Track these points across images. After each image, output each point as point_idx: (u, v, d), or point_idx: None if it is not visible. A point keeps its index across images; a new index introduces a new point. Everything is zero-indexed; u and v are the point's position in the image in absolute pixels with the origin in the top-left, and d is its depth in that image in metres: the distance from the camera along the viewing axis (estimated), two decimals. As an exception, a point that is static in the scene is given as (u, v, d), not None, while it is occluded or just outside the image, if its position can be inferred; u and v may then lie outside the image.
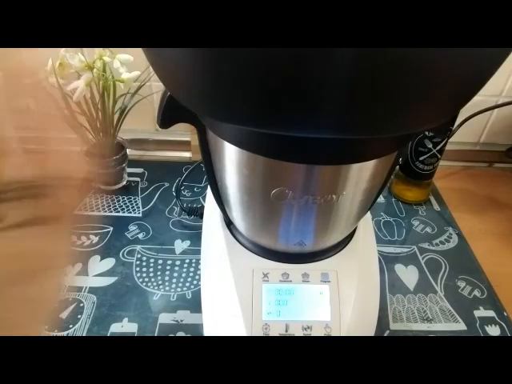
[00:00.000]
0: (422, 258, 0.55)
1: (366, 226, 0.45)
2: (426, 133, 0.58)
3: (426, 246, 0.57)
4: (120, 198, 0.63)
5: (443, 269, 0.53)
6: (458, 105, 0.27)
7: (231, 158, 0.33)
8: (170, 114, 0.32)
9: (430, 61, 0.20)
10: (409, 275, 0.52)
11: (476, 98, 0.70)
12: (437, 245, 0.57)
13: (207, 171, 0.38)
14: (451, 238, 0.58)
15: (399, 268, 0.53)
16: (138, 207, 0.61)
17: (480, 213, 0.64)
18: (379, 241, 0.57)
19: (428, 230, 0.60)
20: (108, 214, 0.60)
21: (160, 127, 0.34)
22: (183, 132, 0.69)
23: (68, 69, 0.53)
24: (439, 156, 0.60)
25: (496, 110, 0.69)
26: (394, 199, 0.65)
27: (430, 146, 0.58)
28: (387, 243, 0.57)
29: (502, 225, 0.61)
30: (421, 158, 0.60)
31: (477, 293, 0.50)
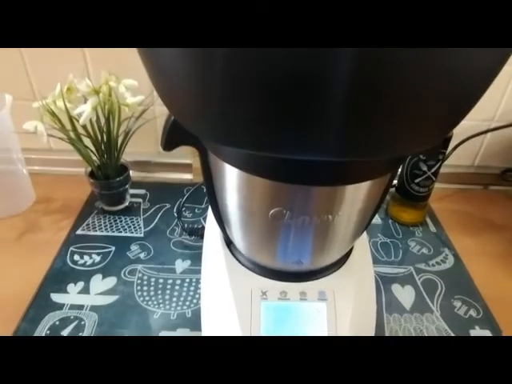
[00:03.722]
0: (419, 279, 0.56)
1: (363, 246, 0.46)
2: (421, 156, 0.59)
3: (422, 266, 0.58)
4: (122, 218, 0.64)
5: (439, 289, 0.54)
6: (445, 130, 0.29)
7: (231, 179, 0.34)
8: (173, 138, 0.34)
9: (419, 92, 0.22)
10: (405, 295, 0.53)
11: (469, 123, 0.72)
12: (433, 265, 0.58)
13: (208, 192, 0.39)
14: (447, 258, 0.59)
15: (396, 288, 0.54)
16: (140, 227, 0.62)
17: (475, 234, 0.65)
18: (376, 261, 0.58)
19: (424, 250, 0.61)
20: (110, 233, 0.61)
21: (163, 150, 0.36)
22: (185, 155, 0.71)
23: (75, 93, 0.55)
24: (434, 178, 0.61)
25: (489, 133, 0.71)
26: (390, 221, 0.66)
27: (425, 168, 0.60)
28: (384, 264, 0.58)
29: (497, 246, 0.62)
30: (416, 181, 0.61)
31: (473, 312, 0.51)
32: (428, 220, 0.67)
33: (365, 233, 0.47)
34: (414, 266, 0.58)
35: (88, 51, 0.63)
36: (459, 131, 0.68)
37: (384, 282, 0.55)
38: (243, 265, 0.42)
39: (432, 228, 0.65)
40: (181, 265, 0.56)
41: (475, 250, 0.61)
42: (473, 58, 0.22)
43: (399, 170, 0.63)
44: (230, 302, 0.39)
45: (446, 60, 0.21)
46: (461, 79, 0.23)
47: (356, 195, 0.34)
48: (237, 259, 0.42)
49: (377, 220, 0.66)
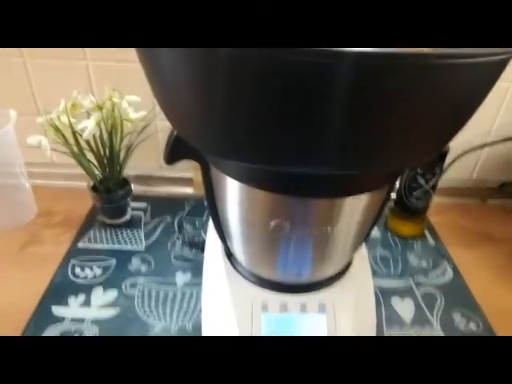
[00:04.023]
0: (418, 291, 0.56)
1: (362, 259, 0.47)
2: (418, 170, 0.60)
3: (421, 279, 0.58)
4: (123, 231, 0.64)
5: (439, 302, 0.54)
6: (440, 145, 0.30)
7: (232, 192, 0.35)
8: (176, 152, 0.35)
9: (416, 109, 0.23)
10: (405, 308, 0.53)
11: (466, 138, 0.74)
12: (432, 278, 0.58)
13: (209, 204, 0.40)
14: (446, 271, 0.60)
15: (395, 301, 0.54)
16: (141, 240, 0.63)
17: (474, 247, 0.65)
18: (376, 274, 0.58)
19: (423, 263, 0.61)
20: (111, 246, 0.61)
21: (166, 163, 0.36)
22: (186, 169, 0.72)
23: (79, 109, 0.56)
24: (432, 192, 0.62)
25: (486, 148, 0.72)
26: (389, 234, 0.67)
27: (423, 182, 0.61)
28: (384, 276, 0.58)
29: (496, 259, 0.63)
30: (414, 194, 0.62)
31: (472, 325, 0.51)
32: (427, 233, 0.67)
33: (364, 245, 0.48)
34: (413, 279, 0.58)
35: (92, 67, 0.64)
36: (456, 146, 0.69)
37: (383, 295, 0.55)
38: (244, 277, 0.42)
39: (431, 241, 0.66)
40: (181, 278, 0.56)
41: (474, 262, 0.62)
42: (466, 75, 0.23)
43: (397, 183, 0.64)
44: (230, 314, 0.39)
45: (442, 77, 0.22)
46: (455, 97, 0.24)
47: (354, 207, 0.35)
48: (237, 271, 0.43)
49: (376, 233, 0.67)
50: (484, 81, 0.25)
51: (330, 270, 0.41)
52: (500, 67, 0.24)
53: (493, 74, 0.25)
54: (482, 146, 0.70)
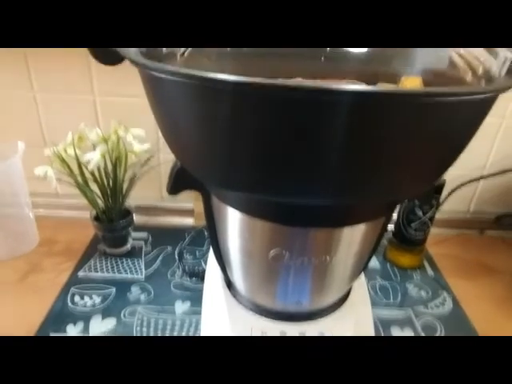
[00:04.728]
0: (418, 322, 0.56)
1: (361, 288, 0.47)
2: (416, 201, 0.61)
3: (421, 309, 0.58)
4: (124, 260, 0.65)
5: (438, 332, 0.54)
6: (433, 178, 0.31)
7: (233, 221, 0.36)
8: (179, 183, 0.36)
9: (411, 144, 0.25)
10: (405, 339, 0.53)
11: (461, 171, 0.75)
12: (432, 308, 0.58)
13: (210, 234, 0.41)
14: (446, 301, 0.60)
15: (395, 331, 0.54)
16: (141, 270, 0.63)
17: (473, 278, 0.66)
18: (375, 304, 0.58)
19: (423, 293, 0.61)
20: (111, 275, 0.62)
21: (169, 194, 0.38)
22: (187, 199, 0.73)
23: (85, 141, 0.58)
24: (430, 223, 0.63)
25: (482, 180, 0.74)
26: (389, 265, 0.67)
27: (420, 213, 0.62)
28: (383, 306, 0.58)
29: (495, 290, 0.63)
30: (412, 225, 0.63)
31: (473, 358, 0.51)
32: (426, 264, 0.68)
33: (363, 274, 0.48)
34: (412, 309, 0.58)
35: (99, 102, 0.67)
36: (452, 178, 0.71)
37: (383, 325, 0.55)
38: (243, 306, 0.42)
39: (430, 272, 0.66)
40: (181, 306, 0.56)
41: (474, 293, 0.62)
42: (453, 112, 0.24)
43: (396, 215, 0.65)
44: (230, 343, 0.39)
45: (430, 114, 0.23)
46: (444, 132, 0.25)
47: (352, 237, 0.36)
48: (237, 300, 0.43)
49: (375, 264, 0.67)
50: (472, 117, 0.27)
51: (329, 299, 0.42)
52: (485, 104, 0.26)
53: (479, 111, 0.26)
54: (477, 179, 0.72)
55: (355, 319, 0.42)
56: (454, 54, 0.30)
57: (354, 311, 0.43)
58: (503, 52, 0.26)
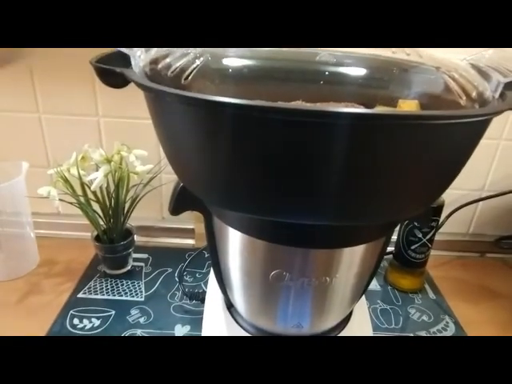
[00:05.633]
0: (420, 347, 0.55)
1: (362, 311, 0.47)
2: (415, 223, 0.62)
3: (423, 334, 0.57)
4: (124, 282, 0.65)
5: (441, 357, 0.53)
6: (430, 199, 0.32)
7: (234, 242, 0.36)
8: (181, 203, 0.37)
9: (408, 166, 0.25)
10: (407, 364, 0.52)
11: (460, 192, 0.75)
12: (434, 333, 0.57)
13: (211, 254, 0.41)
14: (448, 326, 0.59)
15: (397, 356, 0.53)
16: (141, 291, 0.63)
17: (475, 302, 0.65)
18: (377, 328, 0.57)
19: (425, 318, 0.60)
20: (111, 297, 0.61)
21: (171, 214, 0.38)
22: (187, 220, 0.73)
23: (89, 161, 0.59)
24: (430, 245, 0.63)
25: (480, 202, 0.74)
26: (389, 287, 0.67)
27: (420, 235, 0.62)
28: (385, 331, 0.57)
29: (497, 314, 0.62)
30: (412, 247, 0.63)
31: (477, 383, 0.50)
32: (427, 287, 0.67)
33: (364, 298, 0.48)
34: (414, 334, 0.57)
35: (102, 123, 0.68)
36: (451, 200, 0.71)
37: (385, 350, 0.54)
38: (243, 328, 0.42)
39: (431, 295, 0.66)
40: (180, 330, 0.56)
41: (476, 317, 0.61)
42: (447, 135, 0.25)
43: (396, 237, 0.65)
44: (229, 366, 0.39)
45: (425, 136, 0.24)
46: (439, 154, 0.26)
47: (353, 257, 0.36)
48: (237, 323, 0.43)
49: (376, 287, 0.67)
50: (467, 139, 0.27)
51: (329, 323, 0.41)
52: (480, 127, 0.27)
53: (474, 133, 0.27)
54: (476, 201, 0.73)
55: (356, 342, 0.42)
56: (448, 78, 0.31)
57: (356, 335, 0.43)
58: (496, 76, 0.27)
